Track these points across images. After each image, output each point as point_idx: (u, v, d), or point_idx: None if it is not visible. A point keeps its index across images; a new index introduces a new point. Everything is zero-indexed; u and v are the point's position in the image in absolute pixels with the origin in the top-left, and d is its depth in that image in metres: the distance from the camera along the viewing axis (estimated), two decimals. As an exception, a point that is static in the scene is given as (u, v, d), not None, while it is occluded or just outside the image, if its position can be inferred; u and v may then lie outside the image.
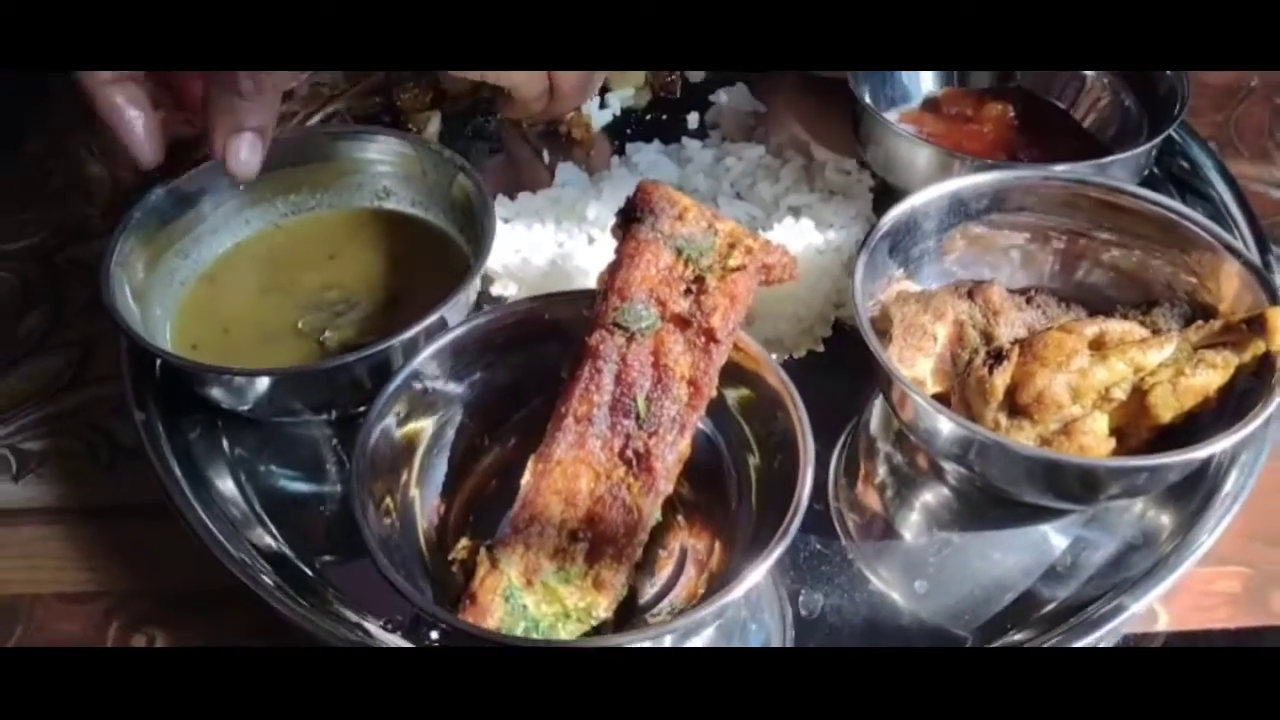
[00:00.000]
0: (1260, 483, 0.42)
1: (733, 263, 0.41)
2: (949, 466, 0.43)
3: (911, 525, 0.44)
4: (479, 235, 0.48)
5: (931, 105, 0.59)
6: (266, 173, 0.49)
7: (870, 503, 0.45)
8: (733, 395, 0.41)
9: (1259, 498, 0.42)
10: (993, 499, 0.43)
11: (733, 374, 0.41)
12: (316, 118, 0.63)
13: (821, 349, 0.50)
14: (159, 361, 0.46)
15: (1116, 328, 0.42)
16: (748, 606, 0.41)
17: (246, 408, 0.44)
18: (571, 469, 0.39)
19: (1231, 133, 0.60)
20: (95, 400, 0.49)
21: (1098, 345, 0.41)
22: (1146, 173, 0.52)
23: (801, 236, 0.49)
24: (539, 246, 0.51)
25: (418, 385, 0.41)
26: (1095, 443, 0.40)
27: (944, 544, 0.43)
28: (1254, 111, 0.61)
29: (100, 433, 0.48)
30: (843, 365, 0.47)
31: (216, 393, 0.44)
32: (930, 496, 0.45)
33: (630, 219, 0.41)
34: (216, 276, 0.50)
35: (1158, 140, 0.50)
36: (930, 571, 0.42)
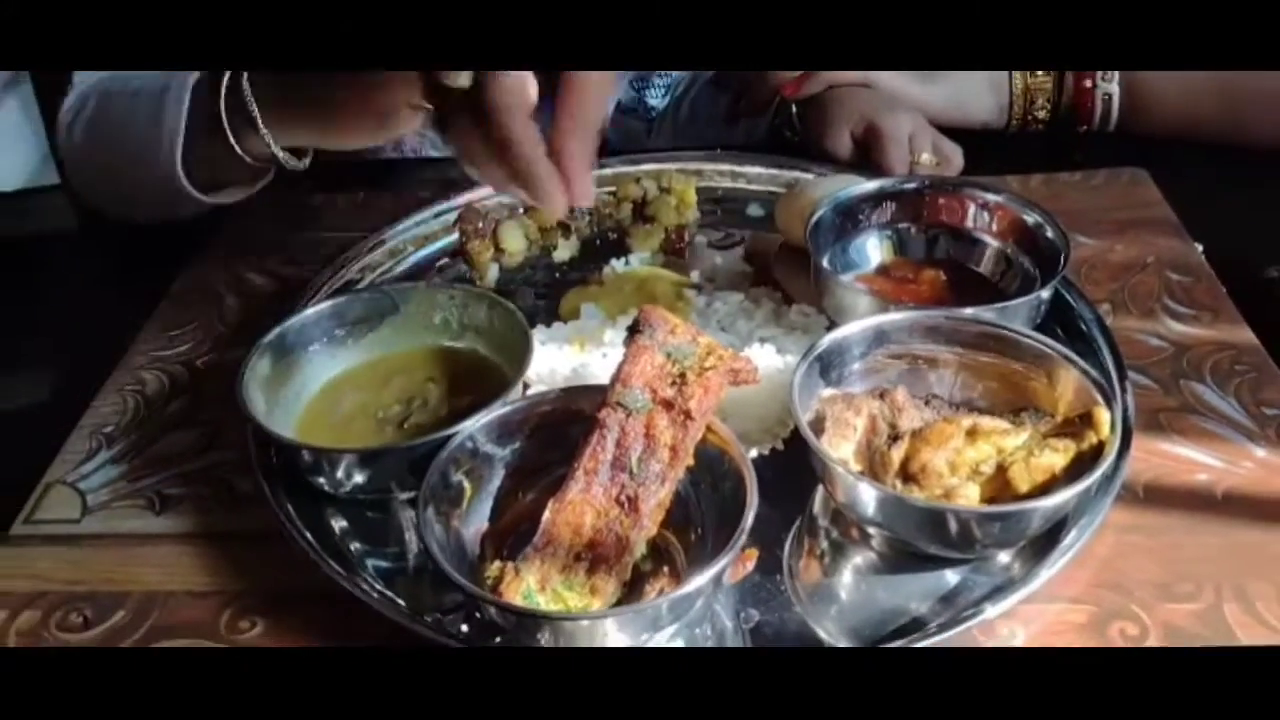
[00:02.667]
0: (1104, 545, 0.56)
1: (708, 365, 0.56)
2: (869, 529, 0.57)
3: (839, 571, 0.57)
4: (520, 356, 0.63)
5: (881, 270, 0.75)
6: (366, 322, 0.67)
7: (811, 557, 0.58)
8: (702, 460, 0.56)
9: (1102, 557, 0.56)
10: (901, 553, 0.57)
11: (704, 445, 0.55)
12: (400, 267, 0.80)
13: (782, 447, 0.64)
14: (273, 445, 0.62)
15: (987, 423, 0.56)
16: (702, 611, 0.54)
17: (340, 478, 0.59)
18: (579, 508, 0.54)
19: (1125, 297, 0.74)
20: (220, 462, 0.64)
21: (972, 434, 0.56)
22: (1039, 320, 0.67)
23: (767, 359, 0.64)
24: (566, 360, 0.66)
25: (470, 446, 0.56)
26: (969, 505, 0.54)
27: (859, 583, 0.56)
28: (1147, 280, 0.76)
29: (223, 484, 0.62)
30: (798, 461, 0.61)
31: (315, 466, 0.59)
32: (855, 552, 0.58)
33: (635, 331, 0.57)
34: (322, 393, 0.65)
35: (1040, 293, 0.65)
36: (845, 601, 0.56)
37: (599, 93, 0.62)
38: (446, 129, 0.63)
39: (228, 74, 0.72)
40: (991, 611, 0.52)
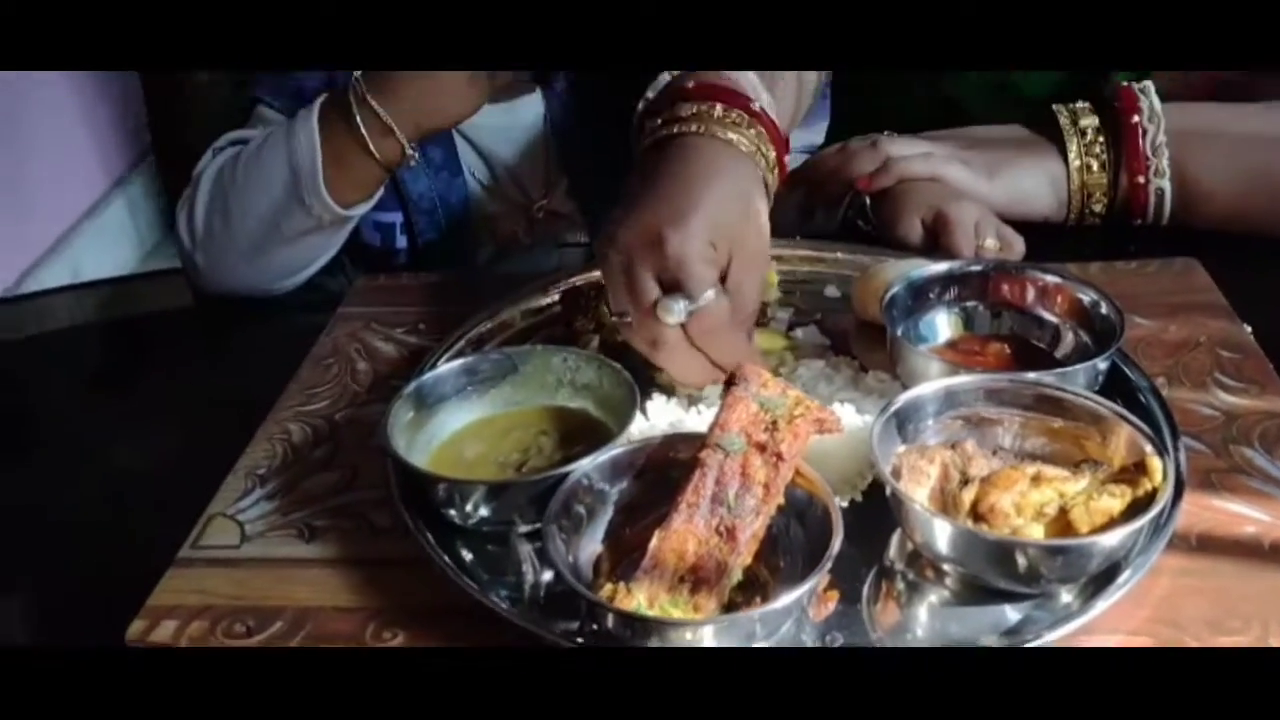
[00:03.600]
0: (1159, 586, 0.61)
1: (797, 414, 0.64)
2: (942, 567, 0.63)
3: (914, 604, 0.63)
4: (626, 412, 0.71)
5: (950, 344, 0.82)
6: (490, 380, 0.75)
7: (889, 591, 0.65)
8: (792, 500, 0.63)
9: (1158, 596, 0.61)
10: (971, 589, 0.63)
11: (793, 487, 0.62)
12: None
13: (860, 499, 0.71)
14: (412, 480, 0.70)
15: (1050, 470, 0.63)
16: (791, 632, 0.60)
17: (468, 510, 0.67)
18: (683, 536, 0.61)
19: (1179, 372, 0.80)
20: (360, 500, 0.72)
21: (1036, 480, 0.62)
22: (1097, 388, 0.73)
23: (847, 417, 0.71)
24: (664, 415, 0.74)
25: (585, 482, 0.64)
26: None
27: (933, 615, 0.62)
28: (1199, 357, 0.82)
29: (363, 518, 0.70)
30: (876, 511, 0.68)
31: (449, 499, 0.67)
32: (929, 588, 0.64)
33: (731, 384, 0.65)
34: (450, 441, 0.73)
35: (1097, 362, 0.72)
36: (919, 631, 0.62)
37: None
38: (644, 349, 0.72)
39: (353, 91, 0.95)
40: (1050, 637, 0.58)
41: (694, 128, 0.74)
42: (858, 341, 0.83)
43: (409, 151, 0.98)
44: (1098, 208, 1.00)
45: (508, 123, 1.15)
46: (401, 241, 1.14)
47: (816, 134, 1.28)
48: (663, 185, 0.71)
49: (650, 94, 0.81)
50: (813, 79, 0.97)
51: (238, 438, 0.79)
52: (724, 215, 0.70)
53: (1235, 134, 0.99)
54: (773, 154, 0.77)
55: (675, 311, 0.68)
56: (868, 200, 0.98)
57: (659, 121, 0.76)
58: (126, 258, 3.55)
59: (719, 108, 0.75)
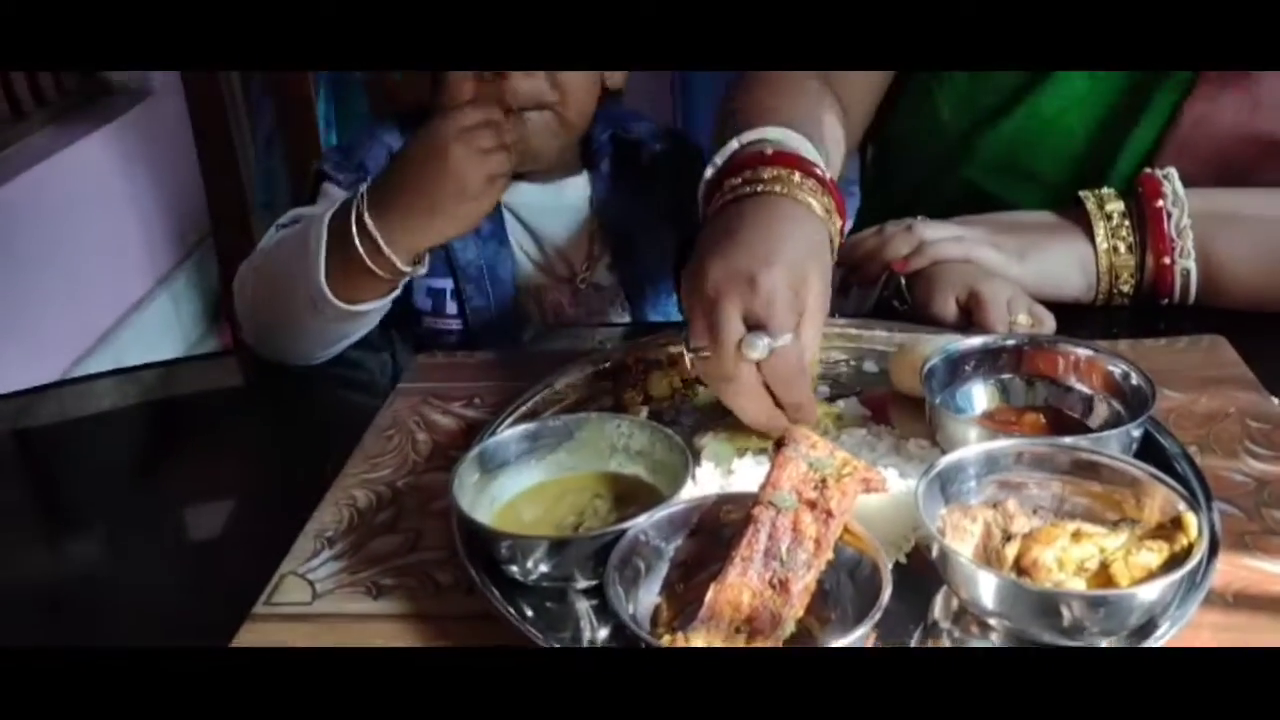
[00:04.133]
0: (1198, 640, 0.63)
1: (845, 473, 0.67)
2: (987, 621, 0.66)
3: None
4: (679, 476, 0.74)
5: (986, 415, 0.85)
6: (547, 446, 0.79)
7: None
8: (841, 557, 0.66)
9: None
10: (1015, 643, 0.65)
11: (842, 544, 0.65)
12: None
13: (905, 560, 0.73)
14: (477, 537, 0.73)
15: (1089, 527, 0.65)
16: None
17: (529, 566, 0.70)
18: (738, 589, 0.64)
19: (1210, 441, 0.83)
20: (423, 560, 0.75)
21: (1076, 536, 0.65)
22: (1132, 455, 0.76)
23: (891, 482, 0.75)
24: (713, 482, 0.77)
25: (642, 538, 0.67)
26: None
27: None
28: (1229, 428, 0.84)
29: (428, 576, 0.73)
30: (920, 572, 0.70)
31: (512, 555, 0.70)
32: (974, 644, 0.67)
33: (780, 445, 0.68)
34: (509, 505, 0.76)
35: (1130, 429, 0.75)
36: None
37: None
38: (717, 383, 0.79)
39: (355, 206, 0.97)
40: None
41: (776, 189, 0.82)
42: (897, 413, 0.86)
43: (405, 270, 0.99)
44: (1126, 288, 1.04)
45: (554, 201, 1.21)
46: (452, 308, 1.20)
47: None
48: (751, 234, 0.78)
49: (719, 160, 0.90)
50: (856, 134, 1.10)
51: (301, 506, 0.83)
52: (802, 266, 0.77)
53: (1259, 218, 1.03)
54: (839, 222, 0.85)
55: (759, 348, 0.74)
56: (903, 281, 1.02)
57: (739, 180, 0.84)
58: (169, 352, 3.63)
59: (797, 174, 0.83)
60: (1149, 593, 0.61)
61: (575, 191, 1.22)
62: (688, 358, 0.80)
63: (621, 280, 1.24)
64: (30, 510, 0.97)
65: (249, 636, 0.70)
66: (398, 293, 1.04)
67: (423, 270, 1.02)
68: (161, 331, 3.52)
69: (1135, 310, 1.05)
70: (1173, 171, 1.03)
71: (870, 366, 0.95)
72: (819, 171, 0.86)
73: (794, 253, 0.77)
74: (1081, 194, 1.05)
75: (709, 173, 0.91)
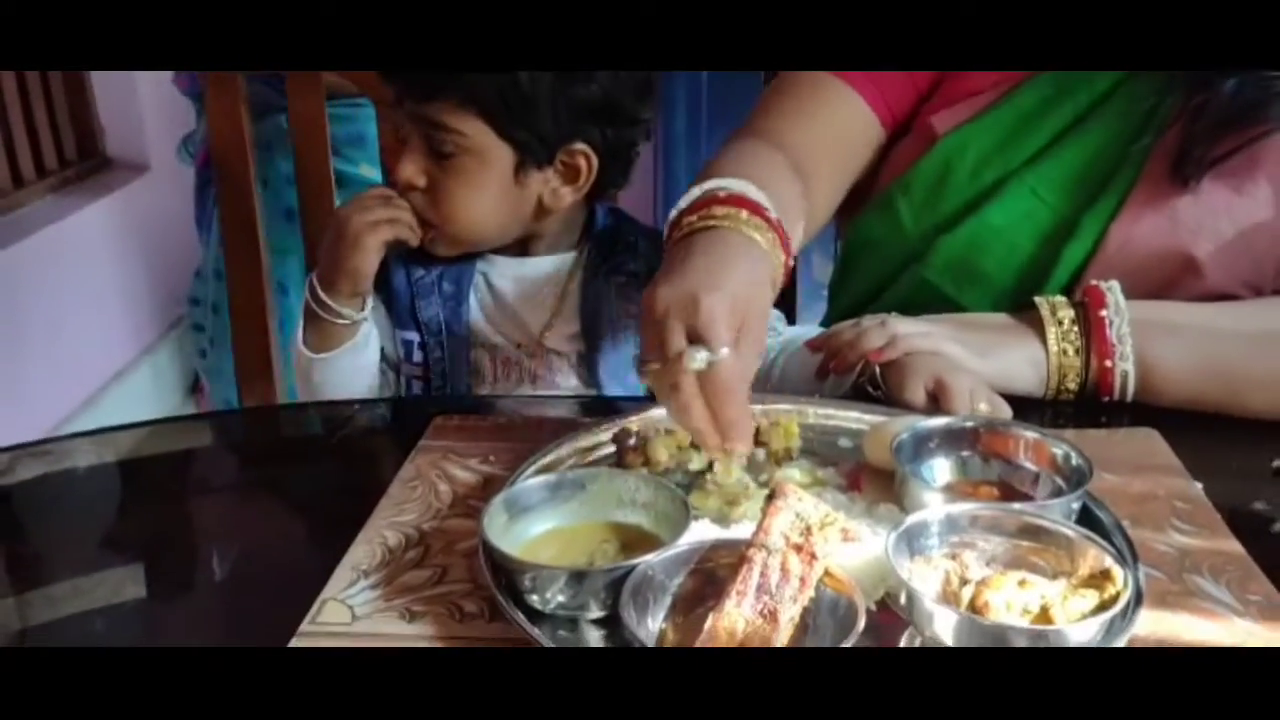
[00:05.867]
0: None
1: (827, 522, 0.78)
2: (945, 657, 0.76)
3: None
4: (678, 526, 0.85)
5: (947, 486, 0.97)
6: (564, 496, 0.89)
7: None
8: (823, 596, 0.76)
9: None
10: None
11: (823, 586, 0.76)
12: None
13: (875, 607, 0.83)
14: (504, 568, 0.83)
15: (1032, 577, 0.77)
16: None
17: (548, 596, 0.80)
18: (734, 617, 0.74)
19: (1141, 516, 0.94)
20: (450, 591, 0.84)
21: (1022, 583, 0.76)
22: (1072, 520, 0.88)
23: (864, 539, 0.86)
24: (708, 533, 0.88)
25: (650, 573, 0.78)
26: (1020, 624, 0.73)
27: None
28: (1159, 507, 0.96)
29: (455, 605, 0.83)
30: (889, 615, 0.81)
31: (534, 586, 0.80)
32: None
33: (772, 497, 0.79)
34: (525, 549, 0.85)
35: (1070, 500, 0.87)
36: None
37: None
38: (663, 395, 0.90)
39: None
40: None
41: (726, 224, 0.95)
42: (868, 482, 0.98)
43: (341, 312, 1.26)
44: (1072, 386, 1.16)
45: (531, 272, 1.36)
46: (418, 357, 1.35)
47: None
48: (699, 261, 0.90)
49: (683, 203, 1.03)
50: (820, 218, 1.28)
51: (329, 551, 0.91)
52: (744, 292, 0.89)
53: (1193, 326, 1.16)
54: (782, 257, 0.98)
55: (698, 360, 0.85)
56: (878, 369, 1.14)
57: (695, 218, 0.98)
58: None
59: (745, 212, 0.96)
60: (1081, 632, 0.72)
61: (554, 267, 1.36)
62: (639, 370, 0.91)
63: (587, 349, 1.35)
64: (69, 547, 1.05)
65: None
66: (356, 340, 1.28)
67: (360, 316, 1.27)
68: (141, 399, 3.58)
69: (1080, 405, 1.17)
70: (1115, 284, 1.16)
71: (845, 442, 1.06)
72: (767, 213, 0.99)
73: (736, 279, 0.87)
74: (1036, 300, 1.18)
75: (672, 214, 1.04)
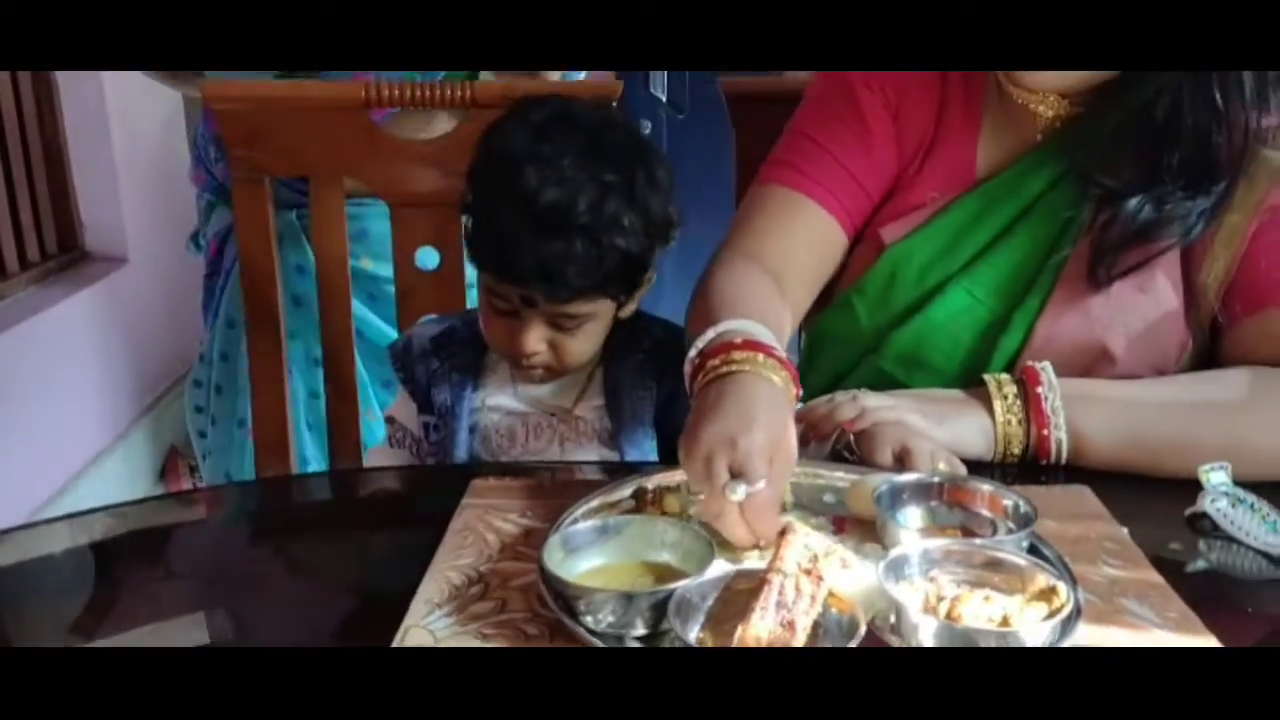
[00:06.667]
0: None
1: (829, 552, 0.96)
2: (926, 661, 0.94)
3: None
4: (704, 561, 1.02)
5: (919, 530, 1.16)
6: (606, 538, 1.06)
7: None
8: (829, 614, 0.94)
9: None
10: (947, 674, 0.93)
11: (828, 603, 0.94)
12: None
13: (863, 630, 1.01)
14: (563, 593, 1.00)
15: (994, 594, 0.95)
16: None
17: (600, 616, 0.97)
18: (759, 628, 0.91)
19: (1077, 554, 1.13)
20: (513, 618, 0.99)
21: (986, 599, 0.94)
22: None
23: (857, 568, 1.04)
24: (728, 568, 1.06)
25: (687, 596, 0.95)
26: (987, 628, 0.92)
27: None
28: (1091, 547, 1.15)
29: (519, 629, 0.98)
30: (875, 637, 0.99)
31: (589, 608, 0.97)
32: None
33: (783, 534, 0.98)
34: (582, 577, 1.01)
35: (1020, 538, 1.06)
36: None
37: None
38: (709, 517, 1.04)
39: None
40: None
41: (746, 368, 1.11)
42: (852, 528, 1.16)
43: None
44: (1016, 450, 1.36)
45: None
46: (434, 436, 1.48)
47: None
48: (730, 406, 1.07)
49: (701, 345, 1.20)
50: (799, 321, 1.49)
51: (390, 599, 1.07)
52: (773, 429, 1.05)
53: (1117, 399, 1.37)
54: (794, 390, 1.15)
55: (739, 492, 1.02)
56: (851, 437, 1.33)
57: (717, 362, 1.14)
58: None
59: (761, 356, 1.12)
60: (1035, 634, 0.90)
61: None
62: (688, 498, 1.10)
63: (611, 419, 1.47)
64: (153, 591, 1.19)
65: (390, 666, 0.94)
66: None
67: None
68: (115, 484, 3.66)
69: (1022, 467, 1.37)
70: (1048, 364, 1.38)
71: (829, 498, 1.25)
72: (777, 353, 1.16)
73: (764, 419, 1.02)
74: (985, 377, 1.39)
75: (693, 354, 1.20)
